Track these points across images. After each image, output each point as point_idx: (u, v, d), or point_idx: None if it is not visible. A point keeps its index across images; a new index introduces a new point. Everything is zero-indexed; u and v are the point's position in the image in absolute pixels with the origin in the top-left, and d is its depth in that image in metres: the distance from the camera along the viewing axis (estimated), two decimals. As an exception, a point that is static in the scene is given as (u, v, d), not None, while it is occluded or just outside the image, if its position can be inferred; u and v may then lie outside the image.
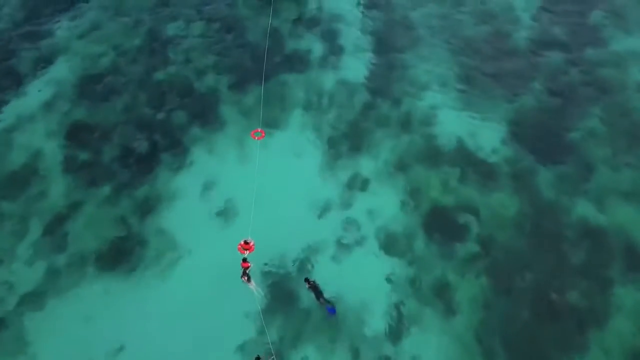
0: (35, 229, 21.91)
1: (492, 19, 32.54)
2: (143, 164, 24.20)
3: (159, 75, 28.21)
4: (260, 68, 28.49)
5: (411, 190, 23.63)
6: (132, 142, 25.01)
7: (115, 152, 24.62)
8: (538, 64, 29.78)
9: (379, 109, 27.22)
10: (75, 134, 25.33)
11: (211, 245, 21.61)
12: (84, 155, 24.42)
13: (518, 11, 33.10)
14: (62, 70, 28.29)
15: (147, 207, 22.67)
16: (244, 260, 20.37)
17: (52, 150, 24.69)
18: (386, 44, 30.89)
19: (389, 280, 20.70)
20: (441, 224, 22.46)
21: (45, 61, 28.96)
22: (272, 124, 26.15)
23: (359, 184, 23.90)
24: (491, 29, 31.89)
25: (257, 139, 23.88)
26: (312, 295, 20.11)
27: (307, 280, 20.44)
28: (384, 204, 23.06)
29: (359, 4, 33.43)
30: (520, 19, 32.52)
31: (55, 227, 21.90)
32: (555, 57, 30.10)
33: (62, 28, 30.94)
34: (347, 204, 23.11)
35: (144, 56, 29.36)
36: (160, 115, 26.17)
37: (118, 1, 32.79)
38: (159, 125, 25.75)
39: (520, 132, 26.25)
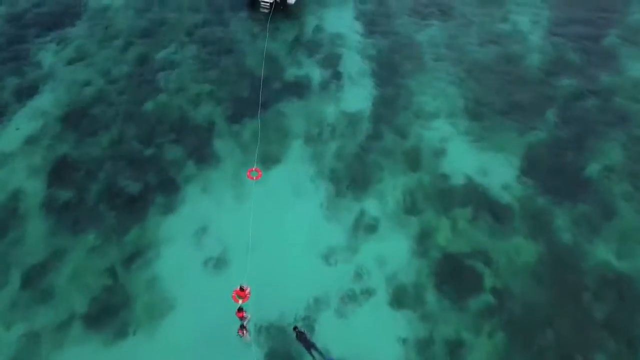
0: (13, 281, 20.13)
1: (500, 42, 31.07)
2: (132, 205, 22.46)
3: (150, 105, 26.48)
4: (257, 96, 26.92)
5: (420, 234, 22.01)
6: (120, 180, 23.26)
7: (101, 191, 22.84)
8: (550, 91, 28.30)
9: (383, 141, 25.62)
10: (59, 172, 23.54)
11: (204, 296, 19.83)
12: (67, 196, 22.64)
13: (527, 33, 31.67)
14: (46, 101, 26.49)
15: (136, 255, 20.90)
16: (240, 309, 18.73)
17: (34, 190, 22.91)
18: (390, 69, 29.32)
19: (398, 338, 19.03)
20: (453, 273, 20.84)
21: (29, 90, 27.16)
22: (269, 158, 24.50)
23: (364, 227, 22.24)
24: (500, 52, 30.41)
25: (254, 178, 22.22)
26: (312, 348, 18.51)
27: (295, 328, 18.82)
28: (392, 251, 21.41)
29: (360, 25, 31.91)
30: (529, 42, 31.06)
31: (35, 279, 20.13)
32: (568, 84, 28.63)
33: (48, 53, 29.15)
34: (352, 250, 21.44)
35: (134, 84, 27.63)
36: (151, 151, 24.43)
37: (106, 23, 31.12)
38: (149, 162, 24.00)
39: (534, 167, 24.72)
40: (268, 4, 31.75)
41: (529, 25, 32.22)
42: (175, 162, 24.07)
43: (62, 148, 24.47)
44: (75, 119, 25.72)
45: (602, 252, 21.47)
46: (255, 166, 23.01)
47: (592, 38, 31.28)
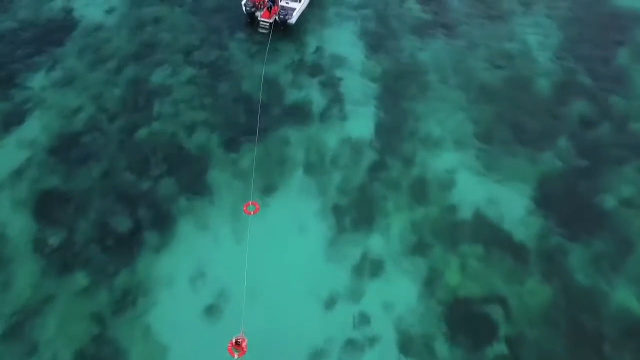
0: (-4, 331, 18.93)
1: (508, 63, 29.81)
2: (123, 244, 21.19)
3: (143, 133, 25.21)
4: (254, 122, 25.69)
5: (428, 274, 20.77)
6: (110, 216, 22.00)
7: (91, 229, 21.58)
8: (562, 115, 27.08)
9: (388, 171, 24.38)
10: (46, 207, 22.28)
11: (199, 347, 18.60)
12: (55, 234, 21.36)
13: (535, 54, 30.41)
14: (34, 128, 25.19)
15: (127, 300, 19.63)
16: (236, 366, 17.60)
17: (19, 228, 21.63)
18: (394, 92, 28.07)
19: (406, 394, 17.88)
20: (464, 319, 19.59)
21: (15, 116, 25.89)
22: (268, 190, 23.26)
23: (368, 267, 20.99)
24: (508, 74, 29.16)
25: (251, 213, 21.00)
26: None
27: None
28: (398, 294, 20.16)
29: (362, 45, 30.65)
30: (538, 63, 29.81)
31: (18, 328, 18.85)
32: (579, 108, 27.41)
33: (36, 76, 27.83)
34: (355, 294, 20.18)
35: (126, 110, 26.36)
36: (143, 183, 23.17)
37: (98, 44, 29.85)
38: (141, 196, 22.74)
39: (547, 199, 23.50)
40: (267, 24, 30.50)
41: (537, 45, 30.97)
42: (168, 196, 22.81)
43: (50, 180, 23.21)
44: (65, 148, 24.46)
45: (623, 295, 20.26)
46: (251, 199, 21.77)
47: (602, 59, 30.03)
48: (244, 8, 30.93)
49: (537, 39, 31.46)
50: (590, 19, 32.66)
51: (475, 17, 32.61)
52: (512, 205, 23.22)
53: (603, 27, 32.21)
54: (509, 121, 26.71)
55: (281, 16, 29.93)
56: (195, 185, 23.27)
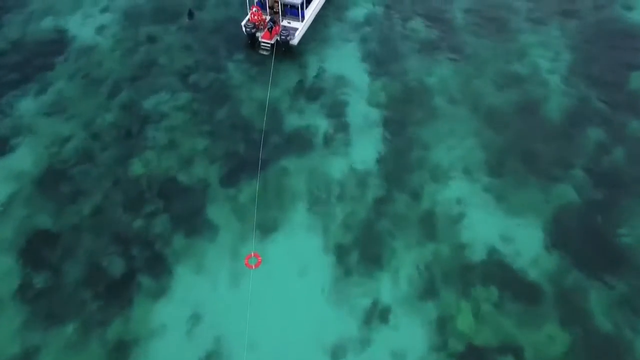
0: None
1: (518, 85, 28.62)
2: (116, 289, 19.95)
3: (137, 165, 23.97)
4: (256, 152, 24.52)
5: (439, 320, 19.54)
6: (102, 258, 20.75)
7: (81, 272, 20.33)
8: (575, 141, 25.91)
9: (395, 204, 23.19)
10: (34, 248, 21.02)
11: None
12: (43, 279, 20.10)
13: (546, 75, 29.21)
14: (21, 160, 23.97)
15: (121, 353, 18.40)
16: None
17: (3, 270, 20.35)
18: (399, 118, 26.86)
19: None
20: (479, 371, 18.47)
21: (2, 145, 24.65)
22: (269, 228, 22.04)
23: (376, 313, 19.74)
24: (518, 97, 27.97)
25: (253, 266, 19.77)
26: None
27: None
28: (408, 343, 18.92)
29: (366, 67, 29.43)
30: (549, 85, 28.62)
31: (4, 385, 17.69)
32: (593, 133, 26.23)
33: (25, 102, 26.63)
34: (362, 343, 18.92)
35: (119, 138, 25.12)
36: (138, 222, 21.91)
37: (89, 67, 28.57)
38: (135, 235, 21.50)
39: (562, 234, 22.32)
40: (269, 46, 29.26)
41: (547, 66, 29.77)
42: (164, 235, 21.57)
43: (37, 218, 21.96)
44: (53, 181, 23.23)
45: (646, 342, 19.14)
46: (253, 251, 20.52)
47: (615, 80, 28.82)
48: (243, 29, 29.72)
49: (546, 59, 30.26)
50: (601, 39, 31.43)
51: (483, 37, 31.39)
52: (526, 242, 22.04)
53: (615, 47, 30.97)
54: (520, 148, 25.53)
55: (282, 37, 28.72)
56: (193, 223, 22.03)
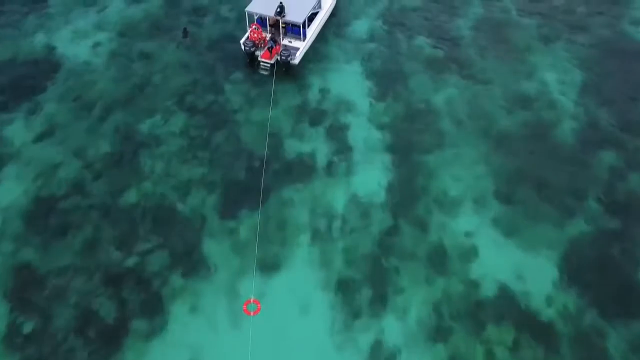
0: None
1: (528, 106, 27.54)
2: (108, 333, 18.75)
3: (130, 195, 22.79)
4: (256, 180, 23.42)
5: (451, 366, 18.58)
6: (93, 299, 19.58)
7: (71, 316, 19.12)
8: (588, 168, 24.84)
9: (401, 237, 22.10)
10: (20, 288, 19.83)
11: None
12: (30, 323, 18.91)
13: (556, 95, 28.16)
14: (8, 191, 22.76)
15: (111, 405, 17.38)
16: None
17: (-11, 314, 19.31)
18: (405, 142, 25.75)
19: None
20: None
21: (-10, 175, 23.57)
22: (270, 265, 20.91)
23: (383, 356, 18.70)
24: (528, 119, 26.89)
25: (251, 313, 18.67)
26: None
27: None
28: (418, 392, 17.97)
29: (370, 87, 28.28)
30: (560, 105, 27.58)
31: None
32: (607, 158, 25.18)
33: (14, 127, 25.43)
34: (370, 392, 17.99)
35: (112, 166, 23.92)
36: (131, 259, 20.73)
37: (82, 88, 27.38)
38: (128, 274, 20.32)
39: (577, 269, 21.25)
40: (268, 65, 28.12)
41: (557, 86, 28.71)
42: (159, 273, 20.41)
43: (24, 254, 20.76)
44: (42, 214, 22.03)
45: (669, 391, 18.13)
46: (252, 297, 19.37)
47: (628, 100, 27.73)
48: (242, 47, 28.59)
49: (557, 78, 29.20)
50: (613, 56, 30.34)
51: (490, 54, 30.30)
52: (539, 278, 20.97)
53: (625, 66, 29.90)
54: (531, 176, 24.45)
55: (283, 57, 27.58)
56: (189, 260, 20.88)
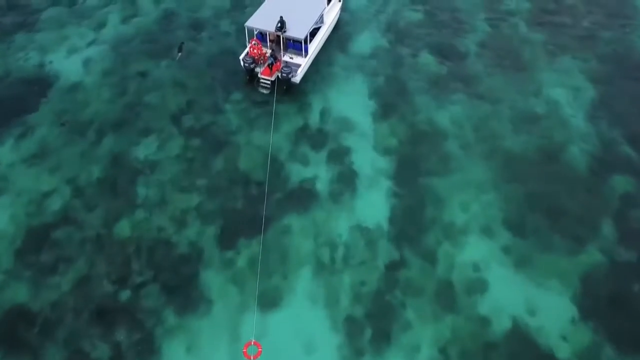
0: None
1: (537, 127, 26.59)
2: (99, 377, 17.93)
3: (124, 226, 21.78)
4: (256, 208, 22.45)
5: (461, 413, 17.65)
6: (84, 340, 18.57)
7: (61, 357, 18.22)
8: (601, 193, 23.89)
9: (408, 270, 21.12)
10: (7, 327, 18.85)
11: None
12: (17, 365, 18.07)
13: (566, 113, 27.25)
14: (-2, 221, 21.92)
15: None
16: None
17: (-25, 356, 18.33)
18: (410, 165, 24.77)
19: None
20: None
21: (-23, 203, 22.56)
22: (272, 301, 19.91)
23: (390, 401, 17.87)
24: (537, 141, 25.92)
25: (252, 357, 17.69)
26: None
27: None
28: None
29: (373, 106, 27.30)
30: (570, 126, 26.63)
31: None
32: (620, 182, 24.24)
33: (3, 150, 24.46)
34: None
35: (105, 194, 22.93)
36: (124, 294, 19.75)
37: (75, 109, 26.38)
38: (121, 311, 19.33)
39: (592, 303, 20.30)
40: (269, 83, 27.13)
41: (567, 103, 27.77)
42: (153, 310, 19.41)
43: (12, 292, 19.74)
44: (32, 247, 21.02)
45: None
46: (253, 338, 18.40)
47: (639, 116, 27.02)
48: (242, 63, 27.60)
49: (565, 95, 28.28)
50: (624, 71, 29.51)
51: (497, 71, 29.35)
52: (553, 313, 20.01)
53: (636, 81, 29.11)
54: (542, 202, 23.49)
55: (284, 74, 26.59)
56: (185, 294, 19.88)
